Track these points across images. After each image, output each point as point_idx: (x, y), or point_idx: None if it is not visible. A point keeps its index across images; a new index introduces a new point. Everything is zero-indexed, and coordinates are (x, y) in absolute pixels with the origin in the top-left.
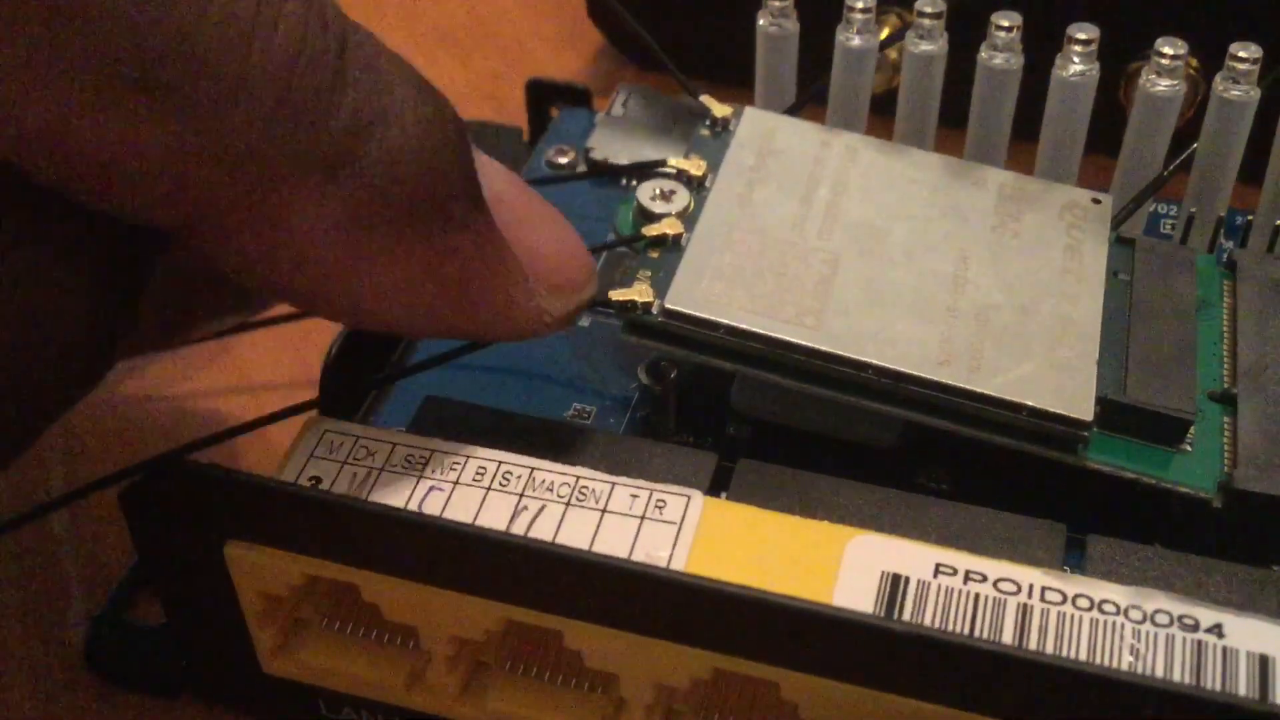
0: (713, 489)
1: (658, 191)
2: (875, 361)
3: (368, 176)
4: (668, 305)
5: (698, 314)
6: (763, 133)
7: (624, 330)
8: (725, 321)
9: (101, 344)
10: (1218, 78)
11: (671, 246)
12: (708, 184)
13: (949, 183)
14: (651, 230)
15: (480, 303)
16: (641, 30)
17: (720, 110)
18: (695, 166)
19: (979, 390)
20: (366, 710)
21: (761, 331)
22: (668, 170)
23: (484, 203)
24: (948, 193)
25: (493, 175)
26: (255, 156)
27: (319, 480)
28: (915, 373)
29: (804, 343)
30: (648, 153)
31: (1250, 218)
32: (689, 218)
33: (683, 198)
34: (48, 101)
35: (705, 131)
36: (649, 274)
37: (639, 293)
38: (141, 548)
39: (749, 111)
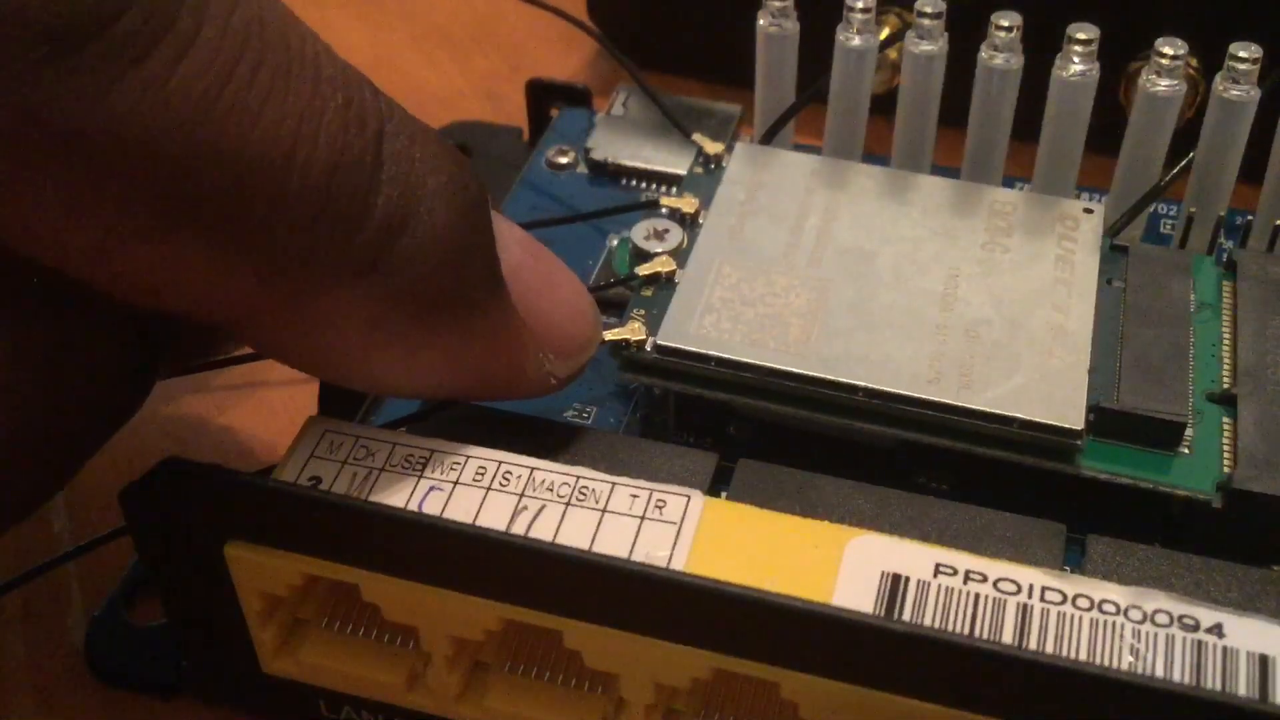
0: (713, 489)
1: (652, 231)
2: (865, 384)
3: (396, 274)
4: (659, 341)
5: (689, 348)
6: (754, 167)
7: (620, 368)
8: (716, 354)
9: (132, 394)
10: (1218, 78)
11: (665, 284)
12: (700, 220)
13: (939, 205)
14: (645, 269)
15: (492, 376)
16: (622, 57)
17: (711, 147)
18: (688, 204)
19: (969, 405)
20: (366, 710)
21: (752, 361)
22: (662, 210)
23: (502, 284)
24: (938, 214)
25: (510, 244)
26: (293, 268)
27: (319, 480)
28: (905, 392)
29: (794, 369)
30: (647, 153)
31: (1250, 218)
32: (682, 255)
33: (676, 235)
34: (95, 230)
35: (698, 169)
36: (643, 312)
37: (631, 331)
38: (141, 548)
39: (740, 147)
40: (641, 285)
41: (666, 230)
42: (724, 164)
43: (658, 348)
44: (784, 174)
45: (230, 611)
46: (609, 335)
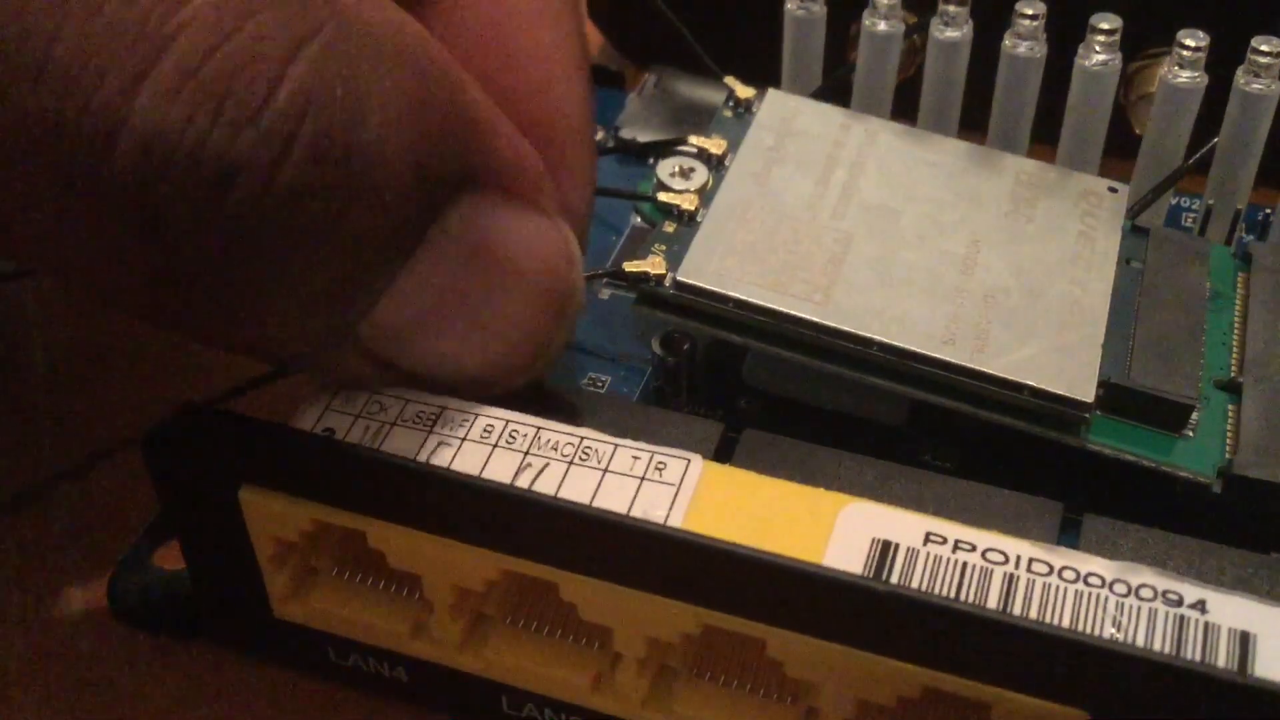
0: (717, 458)
1: (677, 169)
2: (881, 338)
3: None
4: (680, 278)
5: (708, 287)
6: (784, 114)
7: (636, 301)
8: (735, 295)
9: None
10: (1239, 71)
11: (687, 222)
12: (727, 163)
13: (966, 168)
14: (666, 197)
15: None
16: (665, 9)
17: (743, 92)
18: (716, 145)
19: (982, 369)
20: (373, 657)
21: (770, 306)
22: (689, 149)
23: None
24: (964, 178)
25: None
26: None
27: (333, 431)
28: (920, 350)
29: (811, 318)
30: (674, 133)
31: (1269, 211)
32: (707, 195)
33: (701, 175)
34: None
35: (727, 112)
36: (664, 248)
37: (652, 265)
38: (162, 492)
39: (771, 93)
40: (662, 220)
41: (692, 169)
42: (754, 110)
43: (678, 284)
44: (813, 124)
45: (244, 556)
46: (630, 267)
